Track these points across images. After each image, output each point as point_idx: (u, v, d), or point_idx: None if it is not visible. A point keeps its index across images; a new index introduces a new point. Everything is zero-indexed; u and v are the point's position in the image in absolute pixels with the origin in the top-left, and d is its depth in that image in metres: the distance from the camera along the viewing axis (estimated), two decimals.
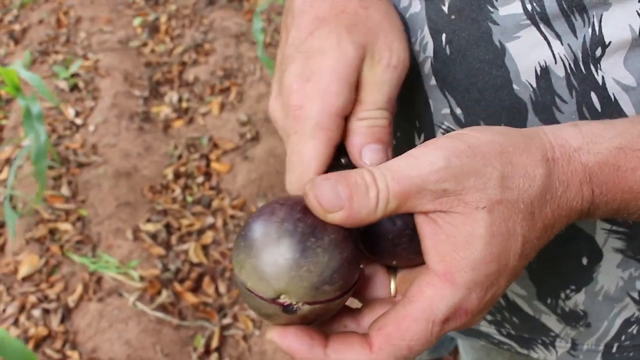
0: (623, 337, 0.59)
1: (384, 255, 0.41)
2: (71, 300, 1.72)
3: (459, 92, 0.50)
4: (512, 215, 0.36)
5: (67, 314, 1.70)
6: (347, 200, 0.35)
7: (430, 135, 0.55)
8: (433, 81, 0.51)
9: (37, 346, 1.62)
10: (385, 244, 0.40)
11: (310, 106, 0.42)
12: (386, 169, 0.35)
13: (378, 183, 0.35)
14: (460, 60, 0.49)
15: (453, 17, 0.48)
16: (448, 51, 0.49)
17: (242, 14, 2.88)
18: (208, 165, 2.15)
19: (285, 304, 0.36)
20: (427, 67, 0.52)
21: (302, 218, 0.36)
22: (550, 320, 0.59)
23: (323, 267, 0.35)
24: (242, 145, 2.19)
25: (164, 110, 2.39)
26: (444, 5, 0.48)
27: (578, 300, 0.56)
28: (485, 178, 0.35)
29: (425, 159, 0.35)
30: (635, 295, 0.56)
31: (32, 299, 1.73)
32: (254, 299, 0.36)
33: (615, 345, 0.60)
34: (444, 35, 0.49)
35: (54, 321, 1.68)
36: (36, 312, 1.70)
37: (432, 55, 0.51)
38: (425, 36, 0.51)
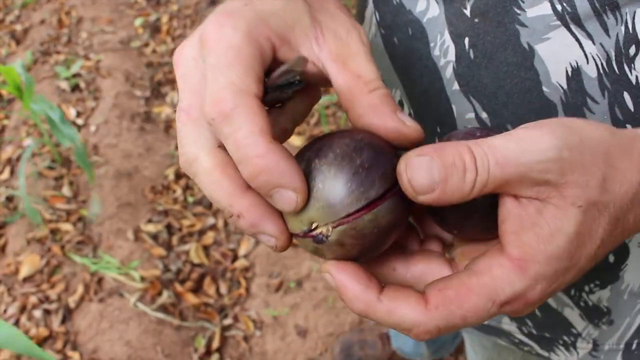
0: None
1: (449, 223, 0.39)
2: (72, 301, 1.72)
3: (484, 96, 0.49)
4: (600, 217, 0.35)
5: (68, 314, 1.70)
6: (440, 182, 0.33)
7: None
8: (456, 86, 0.51)
9: (38, 347, 1.62)
10: (455, 214, 0.38)
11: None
12: (489, 149, 0.34)
13: (478, 166, 0.33)
14: (486, 64, 0.48)
15: (476, 20, 0.47)
16: (472, 55, 0.48)
17: None
18: None
19: (314, 234, 0.35)
20: (449, 72, 0.51)
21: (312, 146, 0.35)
22: (573, 315, 0.58)
23: (331, 180, 0.34)
24: None
25: (165, 111, 2.39)
26: (466, 8, 0.47)
27: (602, 296, 0.55)
28: (589, 176, 0.34)
29: (536, 146, 0.33)
30: None
31: (33, 299, 1.73)
32: (298, 240, 0.36)
33: (635, 342, 0.60)
34: (466, 39, 0.48)
35: (55, 322, 1.68)
36: (37, 313, 1.70)
37: (454, 59, 0.50)
38: (445, 40, 0.50)
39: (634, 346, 0.60)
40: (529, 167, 0.33)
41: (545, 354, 0.63)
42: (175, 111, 2.34)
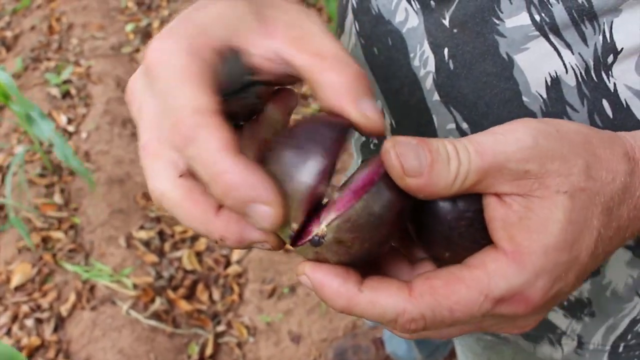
0: (629, 336, 0.59)
1: (435, 241, 0.37)
2: (64, 309, 1.71)
3: (465, 107, 0.49)
4: (591, 206, 0.34)
5: (60, 323, 1.69)
6: (427, 166, 0.33)
7: None
8: (436, 96, 0.51)
9: (30, 356, 1.61)
10: (440, 227, 0.36)
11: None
12: (469, 141, 0.34)
13: (460, 155, 0.33)
14: (466, 74, 0.48)
15: (455, 30, 0.47)
16: (452, 66, 0.48)
17: None
18: None
19: (310, 238, 0.34)
20: (429, 83, 0.51)
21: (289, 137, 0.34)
22: (557, 317, 0.59)
23: (285, 168, 0.33)
24: None
25: None
26: (445, 19, 0.48)
27: (583, 288, 0.55)
28: (570, 164, 0.34)
29: (512, 136, 0.34)
30: None
31: (25, 308, 1.72)
32: (298, 250, 0.35)
33: (622, 344, 0.60)
34: (446, 50, 0.48)
35: (47, 330, 1.67)
36: (29, 322, 1.69)
37: (434, 70, 0.50)
38: (425, 51, 0.50)
39: (620, 348, 0.60)
40: (507, 156, 0.33)
41: (531, 349, 0.64)
42: None
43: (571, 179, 0.34)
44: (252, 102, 0.39)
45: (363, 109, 0.35)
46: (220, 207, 0.35)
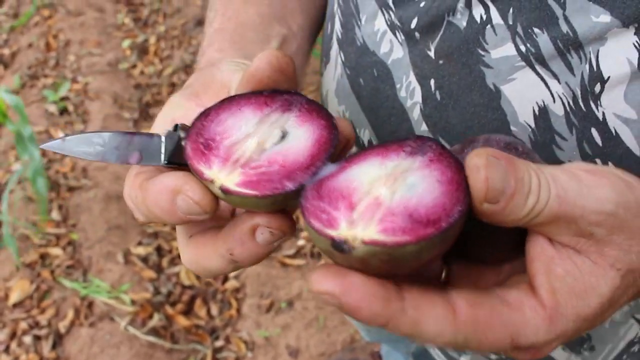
0: (625, 357, 0.59)
1: (477, 244, 0.36)
2: (62, 326, 1.71)
3: (453, 137, 0.49)
4: (632, 287, 0.34)
5: (58, 340, 1.69)
6: (508, 196, 0.31)
7: None
8: (424, 127, 0.51)
9: None
10: (485, 233, 0.35)
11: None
12: (553, 180, 0.32)
13: (541, 192, 0.32)
14: (453, 105, 0.48)
15: (441, 62, 0.48)
16: (438, 96, 0.49)
17: None
18: None
19: (337, 238, 0.30)
20: (416, 113, 0.51)
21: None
22: (556, 351, 0.59)
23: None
24: None
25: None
26: (430, 50, 0.48)
27: None
28: (633, 242, 0.33)
29: (597, 193, 0.32)
30: None
31: (23, 325, 1.72)
32: (309, 231, 0.31)
33: (625, 357, 0.60)
34: (432, 81, 0.49)
35: (45, 348, 1.67)
36: (27, 339, 1.69)
37: (421, 101, 0.50)
38: (411, 82, 0.50)
39: None
40: (583, 213, 0.32)
41: None
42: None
43: (629, 258, 0.33)
44: None
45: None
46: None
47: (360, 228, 0.30)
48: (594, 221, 0.32)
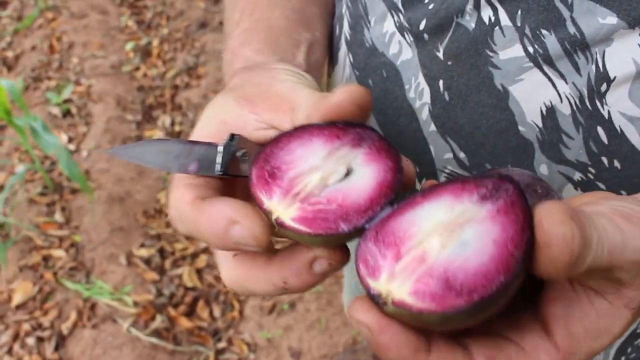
0: (629, 349, 0.60)
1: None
2: (65, 328, 1.71)
3: (461, 137, 0.50)
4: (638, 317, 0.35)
5: (61, 341, 1.70)
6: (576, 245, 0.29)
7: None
8: (433, 127, 0.52)
9: None
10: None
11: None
12: (605, 234, 0.31)
13: (597, 249, 0.30)
14: (462, 105, 0.49)
15: (450, 63, 0.48)
16: (447, 97, 0.49)
17: None
18: None
19: (372, 290, 0.30)
20: (424, 114, 0.52)
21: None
22: None
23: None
24: None
25: (157, 134, 2.40)
26: (439, 51, 0.49)
27: None
28: None
29: (635, 245, 0.32)
30: None
31: (26, 327, 1.72)
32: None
33: (623, 358, 0.60)
34: (441, 82, 0.49)
35: (48, 349, 1.68)
36: (30, 340, 1.69)
37: (429, 101, 0.51)
38: (420, 83, 0.51)
39: None
40: (622, 262, 0.32)
41: None
42: (166, 134, 2.35)
43: None
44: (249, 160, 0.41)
45: (329, 94, 0.38)
46: (270, 259, 0.37)
47: (396, 284, 0.30)
48: (625, 269, 0.32)
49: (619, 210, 0.33)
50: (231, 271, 0.38)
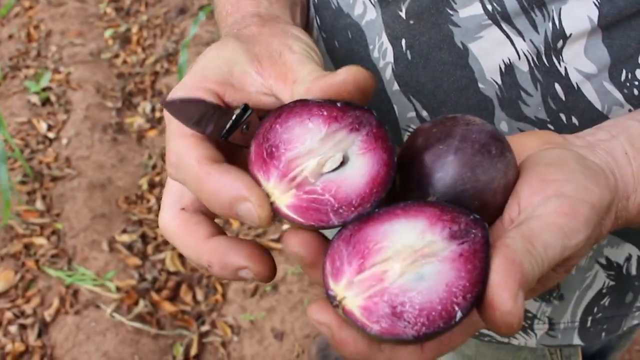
0: (596, 310, 0.61)
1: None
2: (48, 315, 1.71)
3: (424, 96, 0.51)
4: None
5: (44, 328, 1.70)
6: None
7: (397, 138, 0.56)
8: (396, 86, 0.52)
9: None
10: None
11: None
12: (547, 255, 0.33)
13: (538, 269, 0.32)
14: (423, 64, 0.50)
15: (412, 22, 0.49)
16: (409, 56, 0.50)
17: (214, 22, 2.89)
18: None
19: (330, 291, 0.33)
20: (388, 73, 0.52)
21: None
22: (528, 302, 0.60)
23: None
24: None
25: (137, 121, 2.39)
26: (401, 11, 0.49)
27: None
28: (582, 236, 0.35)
29: (573, 242, 0.33)
30: (603, 260, 0.58)
31: (9, 315, 1.72)
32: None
33: (590, 319, 0.62)
34: (403, 41, 0.50)
35: (31, 336, 1.68)
36: (13, 328, 1.69)
37: (392, 61, 0.52)
38: (384, 42, 0.52)
39: (589, 323, 0.62)
40: (565, 258, 0.34)
41: (505, 340, 0.66)
42: (147, 121, 2.34)
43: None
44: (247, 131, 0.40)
45: (329, 75, 0.37)
46: (211, 235, 0.38)
47: (352, 293, 0.32)
48: (570, 256, 0.34)
49: (563, 206, 0.34)
50: (171, 220, 0.39)
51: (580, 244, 0.33)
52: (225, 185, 0.34)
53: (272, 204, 0.35)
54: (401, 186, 0.37)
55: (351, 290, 0.32)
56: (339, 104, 0.36)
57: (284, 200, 0.35)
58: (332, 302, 0.32)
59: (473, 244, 0.32)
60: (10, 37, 2.82)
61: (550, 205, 0.34)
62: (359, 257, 0.33)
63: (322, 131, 0.36)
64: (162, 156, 2.20)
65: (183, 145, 0.37)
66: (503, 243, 0.32)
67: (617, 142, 0.40)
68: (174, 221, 0.39)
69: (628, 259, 0.58)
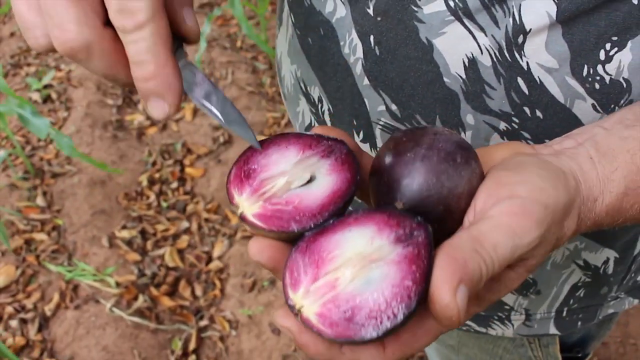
0: (571, 301, 0.63)
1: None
2: (48, 309, 1.73)
3: (392, 90, 0.52)
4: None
5: (44, 322, 1.72)
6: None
7: (369, 132, 0.57)
8: (366, 81, 0.54)
9: (16, 356, 1.63)
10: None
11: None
12: (497, 255, 0.34)
13: (489, 268, 0.34)
14: (391, 59, 0.51)
15: (379, 19, 0.50)
16: (378, 52, 0.52)
17: (213, 20, 2.90)
18: (182, 170, 2.17)
19: (289, 300, 0.35)
20: (358, 68, 0.54)
21: None
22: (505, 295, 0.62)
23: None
24: (215, 149, 2.22)
25: (137, 118, 2.40)
26: (369, 8, 0.51)
27: None
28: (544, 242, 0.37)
29: (525, 241, 0.35)
30: (581, 262, 0.59)
31: (9, 309, 1.74)
32: None
33: (565, 309, 0.63)
34: (372, 37, 0.51)
35: (32, 330, 1.69)
36: (13, 323, 1.71)
37: (362, 56, 0.53)
38: (353, 39, 0.53)
39: (564, 313, 0.64)
40: (518, 257, 0.35)
41: (483, 330, 0.67)
42: (147, 118, 2.35)
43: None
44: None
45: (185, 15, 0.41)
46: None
47: (308, 302, 0.34)
48: (525, 255, 0.36)
49: (514, 206, 0.35)
50: (95, 38, 0.36)
51: (533, 243, 0.35)
52: (165, 81, 0.37)
53: (240, 213, 0.38)
54: (373, 193, 0.40)
55: (308, 298, 0.34)
56: (315, 135, 0.41)
57: (252, 210, 0.38)
58: (292, 310, 0.35)
59: (417, 245, 0.35)
60: (12, 35, 2.84)
61: (501, 206, 0.35)
62: (314, 267, 0.35)
63: (297, 157, 0.40)
64: (162, 153, 2.22)
65: (157, 18, 0.36)
66: (448, 243, 0.34)
67: (583, 149, 0.41)
68: (104, 41, 0.37)
69: (606, 262, 0.60)
